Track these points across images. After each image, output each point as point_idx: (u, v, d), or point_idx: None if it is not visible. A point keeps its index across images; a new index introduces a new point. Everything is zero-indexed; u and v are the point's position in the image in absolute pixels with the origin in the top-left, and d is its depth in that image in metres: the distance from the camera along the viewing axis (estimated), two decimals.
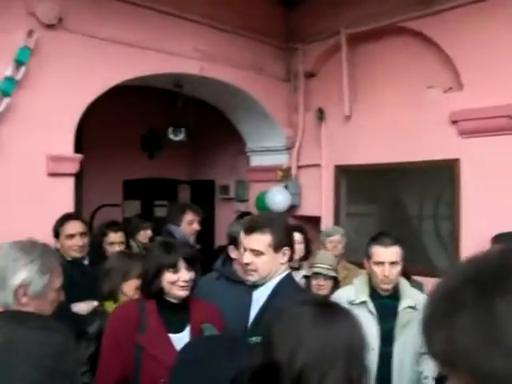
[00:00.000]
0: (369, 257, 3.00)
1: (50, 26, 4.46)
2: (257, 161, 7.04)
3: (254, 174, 7.10)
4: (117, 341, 2.45)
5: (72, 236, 3.89)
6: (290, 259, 2.60)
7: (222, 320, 2.62)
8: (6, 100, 4.14)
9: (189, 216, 4.84)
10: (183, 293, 2.52)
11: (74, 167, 4.55)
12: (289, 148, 6.69)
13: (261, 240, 2.49)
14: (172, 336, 2.46)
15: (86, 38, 4.69)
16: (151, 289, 2.57)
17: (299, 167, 6.64)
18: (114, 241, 4.15)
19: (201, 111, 7.37)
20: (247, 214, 5.91)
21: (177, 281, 2.52)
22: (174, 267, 2.51)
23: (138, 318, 2.47)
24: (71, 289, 3.67)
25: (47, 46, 4.43)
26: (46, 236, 3.99)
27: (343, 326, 1.34)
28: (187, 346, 2.14)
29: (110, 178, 7.59)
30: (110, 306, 3.25)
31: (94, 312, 3.24)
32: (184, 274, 2.52)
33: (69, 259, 3.92)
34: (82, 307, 3.58)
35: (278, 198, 6.33)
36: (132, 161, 8.03)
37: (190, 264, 2.53)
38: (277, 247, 2.49)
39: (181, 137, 6.46)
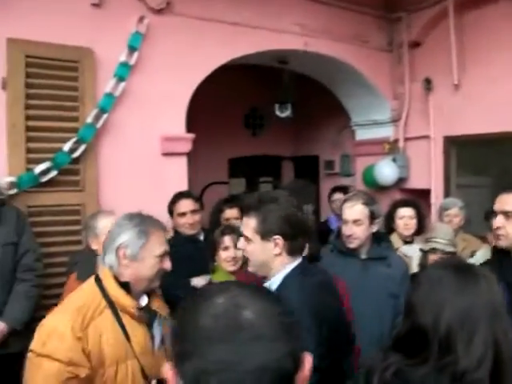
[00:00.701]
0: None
1: (159, 11, 4.62)
2: (362, 134, 6.96)
3: (359, 148, 7.02)
4: None
5: (183, 214, 4.07)
6: (298, 252, 2.23)
7: (347, 292, 2.65)
8: (122, 84, 4.34)
9: None
10: None
11: (186, 146, 4.72)
12: (395, 120, 6.55)
13: (247, 224, 2.21)
14: None
15: (192, 20, 4.81)
16: None
17: (406, 139, 6.49)
18: (230, 216, 4.27)
19: (303, 87, 7.35)
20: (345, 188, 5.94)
21: None
22: None
23: None
24: (188, 264, 3.88)
25: (157, 31, 4.59)
26: (161, 214, 4.20)
27: (484, 286, 1.36)
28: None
29: (215, 156, 7.78)
30: (217, 278, 3.43)
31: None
32: None
33: (185, 235, 4.10)
34: (199, 281, 3.75)
35: (386, 172, 6.24)
36: (236, 139, 8.18)
37: None
38: (264, 235, 2.17)
39: (287, 113, 6.50)
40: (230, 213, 4.30)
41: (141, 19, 4.50)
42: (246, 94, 8.06)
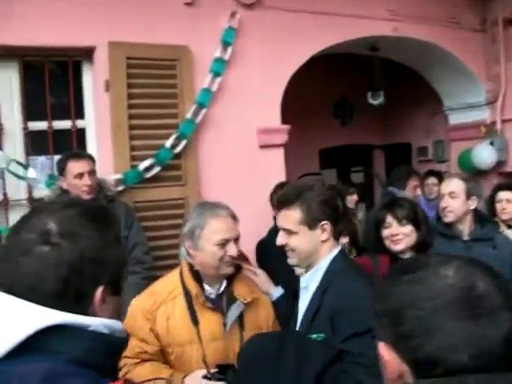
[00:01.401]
0: None
1: (250, 6, 4.66)
2: (456, 119, 6.72)
3: (454, 133, 6.79)
4: None
5: None
6: (337, 235, 2.20)
7: None
8: (218, 80, 4.42)
9: (413, 181, 5.01)
10: (394, 246, 2.64)
11: (282, 138, 4.74)
12: (490, 102, 6.28)
13: (289, 217, 2.15)
14: None
15: (283, 12, 4.82)
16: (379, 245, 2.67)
17: (504, 121, 6.21)
18: None
19: (392, 73, 7.19)
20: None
21: (388, 236, 2.66)
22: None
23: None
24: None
25: (249, 25, 4.64)
26: (261, 205, 4.25)
27: None
28: (252, 341, 2.02)
29: (306, 147, 7.76)
30: None
31: None
32: (395, 229, 2.64)
33: None
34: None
35: (485, 155, 6.00)
36: (326, 129, 8.13)
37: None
38: (311, 223, 2.12)
39: (380, 100, 6.39)
40: None
41: (233, 14, 4.56)
42: (335, 84, 7.99)
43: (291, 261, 2.19)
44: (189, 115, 4.26)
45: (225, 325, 2.32)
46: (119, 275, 1.18)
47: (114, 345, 1.12)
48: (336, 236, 2.18)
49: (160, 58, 4.25)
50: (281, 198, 2.23)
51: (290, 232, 2.14)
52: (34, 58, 4.16)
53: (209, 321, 2.29)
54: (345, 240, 3.76)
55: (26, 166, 3.91)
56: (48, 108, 4.13)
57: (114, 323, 1.13)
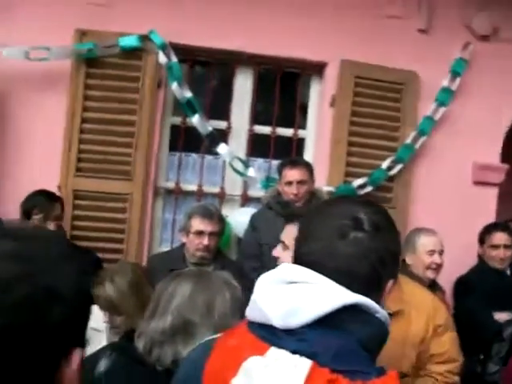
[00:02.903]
0: None
1: (484, 37, 4.53)
2: None
3: None
4: None
5: (497, 246, 3.95)
6: None
7: None
8: (442, 109, 4.34)
9: None
10: None
11: (499, 177, 4.53)
12: None
13: (289, 231, 2.19)
14: None
15: None
16: None
17: None
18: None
19: None
20: None
21: None
22: None
23: None
24: (492, 296, 3.74)
25: (481, 57, 4.50)
26: (466, 240, 4.09)
27: None
28: None
29: None
30: None
31: None
32: None
33: (494, 267, 3.96)
34: (502, 316, 3.64)
35: None
36: None
37: None
38: None
39: None
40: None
41: (466, 45, 4.46)
42: None
43: None
44: (408, 140, 4.23)
45: None
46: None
47: (385, 336, 1.14)
48: None
49: (387, 80, 4.29)
50: (290, 213, 2.40)
51: (284, 246, 2.22)
52: (268, 67, 4.40)
53: None
54: None
55: (247, 165, 4.14)
56: (274, 114, 4.34)
57: (387, 317, 1.15)
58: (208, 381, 1.14)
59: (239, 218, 4.08)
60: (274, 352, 1.05)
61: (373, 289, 1.13)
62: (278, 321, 1.06)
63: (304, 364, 1.01)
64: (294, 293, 1.08)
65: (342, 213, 1.17)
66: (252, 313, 1.15)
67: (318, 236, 1.16)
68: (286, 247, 2.24)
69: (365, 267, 1.11)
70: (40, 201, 3.49)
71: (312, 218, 1.23)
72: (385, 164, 4.17)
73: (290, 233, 2.22)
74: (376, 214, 1.17)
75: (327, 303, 1.05)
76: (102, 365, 1.82)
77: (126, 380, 1.77)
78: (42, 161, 4.02)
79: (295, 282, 1.10)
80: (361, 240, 1.12)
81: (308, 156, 4.34)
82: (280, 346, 1.05)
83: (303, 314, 1.05)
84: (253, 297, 1.15)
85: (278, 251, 2.30)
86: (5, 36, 3.96)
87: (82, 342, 0.79)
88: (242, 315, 1.38)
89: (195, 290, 1.77)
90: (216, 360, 1.16)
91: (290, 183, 3.63)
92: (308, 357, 1.02)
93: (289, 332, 1.05)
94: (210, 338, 1.32)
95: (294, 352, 1.03)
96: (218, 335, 1.28)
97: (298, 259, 1.16)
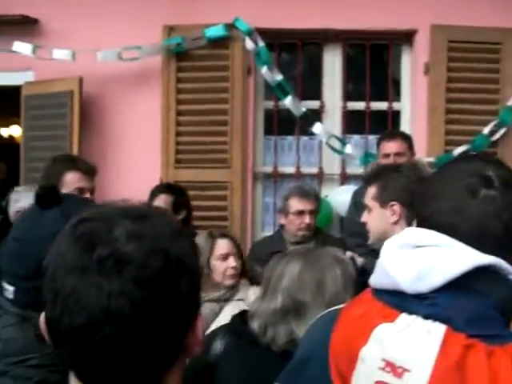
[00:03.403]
0: None
1: None
2: None
3: None
4: None
5: None
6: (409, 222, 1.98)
7: None
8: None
9: None
10: None
11: None
12: None
13: (368, 193, 2.18)
14: None
15: None
16: None
17: None
18: None
19: None
20: None
21: None
22: None
23: None
24: None
25: None
26: None
27: None
28: None
29: None
30: None
31: None
32: None
33: None
34: None
35: None
36: None
37: None
38: (383, 201, 2.11)
39: None
40: None
41: None
42: None
43: (370, 241, 2.21)
44: (510, 102, 4.03)
45: None
46: None
47: None
48: (409, 222, 2.02)
49: (483, 41, 4.10)
50: (366, 175, 2.32)
51: (368, 208, 2.17)
52: (356, 42, 4.32)
53: None
54: None
55: (344, 142, 4.09)
56: (367, 89, 4.26)
57: None
58: (336, 351, 1.13)
59: (339, 197, 4.04)
60: (404, 318, 1.02)
61: (505, 249, 1.06)
62: (408, 286, 1.02)
63: (438, 329, 0.97)
64: (422, 256, 1.04)
65: (469, 171, 1.11)
66: (379, 279, 1.12)
67: (446, 196, 1.10)
68: (369, 209, 2.20)
69: (497, 226, 1.05)
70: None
71: (435, 179, 1.18)
72: (486, 129, 4.00)
73: (369, 193, 2.20)
74: (504, 171, 1.11)
75: (458, 265, 1.01)
76: (217, 346, 1.84)
77: (241, 361, 1.77)
78: (143, 156, 4.15)
79: (423, 246, 1.06)
80: (492, 198, 1.06)
81: (405, 128, 4.22)
82: (411, 312, 1.02)
83: (434, 277, 1.01)
84: (379, 263, 1.12)
85: (365, 216, 2.26)
86: (97, 40, 4.11)
87: (199, 311, 0.83)
88: (357, 291, 1.36)
89: (304, 269, 1.74)
90: (342, 330, 1.14)
91: (387, 156, 3.54)
92: (441, 321, 0.98)
93: (419, 297, 1.02)
94: (332, 309, 1.30)
95: (426, 317, 1.00)
96: (341, 306, 1.26)
97: (423, 222, 1.12)
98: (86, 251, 0.73)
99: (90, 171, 2.64)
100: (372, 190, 2.19)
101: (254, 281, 2.64)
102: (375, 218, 2.17)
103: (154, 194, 3.60)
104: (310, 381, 1.24)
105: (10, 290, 1.15)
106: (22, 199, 3.09)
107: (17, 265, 1.14)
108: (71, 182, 2.59)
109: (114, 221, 0.76)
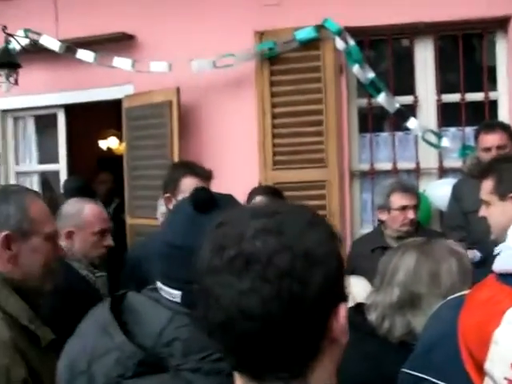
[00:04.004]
0: None
1: None
2: None
3: None
4: None
5: None
6: None
7: None
8: None
9: None
10: None
11: None
12: None
13: (484, 187, 2.17)
14: None
15: None
16: None
17: None
18: None
19: None
20: None
21: None
22: None
23: None
24: None
25: None
26: None
27: None
28: None
29: None
30: None
31: None
32: None
33: None
34: None
35: None
36: None
37: None
38: (502, 194, 2.10)
39: None
40: None
41: None
42: None
43: (492, 236, 2.15)
44: None
45: None
46: None
47: None
48: None
49: None
50: (480, 169, 2.26)
51: (486, 203, 2.15)
52: (447, 33, 4.27)
53: None
54: None
55: (440, 136, 4.05)
56: (461, 80, 4.20)
57: None
58: (466, 335, 1.15)
59: (438, 191, 4.00)
60: None
61: None
62: None
63: None
64: None
65: None
66: (505, 265, 1.13)
67: None
68: (487, 204, 2.19)
69: None
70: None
71: None
72: None
73: (484, 188, 2.18)
74: None
75: None
76: None
77: (361, 353, 1.77)
78: (240, 159, 4.28)
79: None
80: None
81: (503, 117, 4.12)
82: None
83: None
84: (506, 248, 1.13)
85: (483, 211, 2.24)
86: (191, 51, 4.27)
87: (344, 297, 0.84)
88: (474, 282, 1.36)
89: (419, 261, 1.75)
90: (471, 314, 1.16)
91: (488, 149, 3.45)
92: None
93: None
94: (455, 296, 1.32)
95: None
96: (464, 292, 1.27)
97: None
98: (218, 253, 0.78)
99: (206, 176, 2.76)
100: (487, 185, 2.19)
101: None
102: (495, 211, 2.16)
103: (252, 196, 3.69)
104: (440, 366, 1.27)
105: (175, 293, 1.19)
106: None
107: (182, 271, 1.16)
108: (188, 186, 2.72)
109: (244, 222, 0.80)
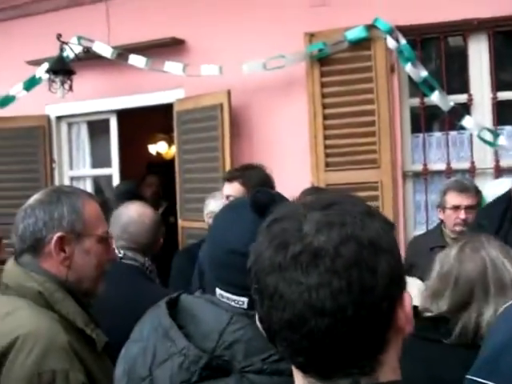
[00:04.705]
0: None
1: None
2: None
3: None
4: None
5: None
6: None
7: None
8: None
9: None
10: None
11: None
12: None
13: None
14: None
15: None
16: None
17: None
18: None
19: None
20: None
21: None
22: None
23: None
24: None
25: None
26: None
27: None
28: None
29: None
30: None
31: None
32: None
33: None
34: None
35: None
36: None
37: None
38: None
39: None
40: None
41: None
42: None
43: None
44: None
45: None
46: None
47: None
48: None
49: None
50: None
51: None
52: (502, 29, 4.17)
53: None
54: None
55: (496, 134, 3.96)
56: None
57: None
58: None
59: (494, 191, 3.91)
60: None
61: None
62: None
63: None
64: None
65: None
66: None
67: None
68: None
69: None
70: None
71: None
72: None
73: None
74: None
75: None
76: None
77: (416, 356, 1.71)
78: (292, 161, 4.28)
79: None
80: None
81: None
82: None
83: None
84: None
85: None
86: (241, 54, 4.30)
87: (405, 286, 0.83)
88: None
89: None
90: None
91: None
92: None
93: None
94: None
95: None
96: None
97: None
98: (281, 250, 0.76)
99: (227, 178, 3.04)
100: None
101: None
102: None
103: (303, 197, 3.69)
104: (509, 373, 1.24)
105: (242, 300, 1.17)
106: (210, 204, 3.44)
107: (246, 277, 1.18)
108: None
109: (302, 215, 0.79)
